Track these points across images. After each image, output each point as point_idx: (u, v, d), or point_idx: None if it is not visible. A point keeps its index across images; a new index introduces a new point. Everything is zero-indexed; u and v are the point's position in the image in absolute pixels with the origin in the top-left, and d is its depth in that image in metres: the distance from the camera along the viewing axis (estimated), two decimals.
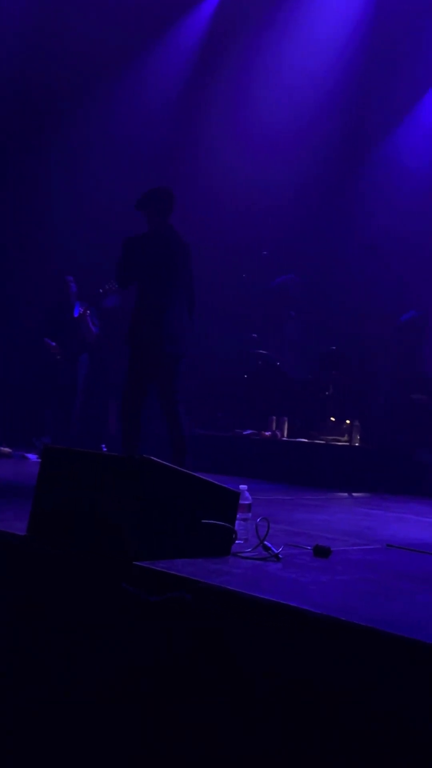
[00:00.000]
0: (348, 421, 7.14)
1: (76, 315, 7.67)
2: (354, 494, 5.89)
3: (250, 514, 3.04)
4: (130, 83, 8.99)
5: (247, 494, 3.01)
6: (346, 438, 7.08)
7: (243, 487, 3.00)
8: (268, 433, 7.25)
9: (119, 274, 5.30)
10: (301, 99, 8.64)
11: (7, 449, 6.78)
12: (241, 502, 2.92)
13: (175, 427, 5.21)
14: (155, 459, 2.64)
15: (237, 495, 2.89)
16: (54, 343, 7.60)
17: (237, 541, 2.85)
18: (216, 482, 2.80)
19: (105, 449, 7.28)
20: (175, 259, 5.21)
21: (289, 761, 1.99)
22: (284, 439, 7.24)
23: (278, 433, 7.25)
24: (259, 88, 8.84)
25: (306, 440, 7.15)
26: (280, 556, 2.80)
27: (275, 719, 2.03)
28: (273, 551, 2.80)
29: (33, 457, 6.64)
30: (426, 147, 9.03)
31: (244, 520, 2.98)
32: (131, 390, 5.23)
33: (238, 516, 2.88)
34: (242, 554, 2.80)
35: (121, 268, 5.26)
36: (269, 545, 2.81)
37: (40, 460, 3.79)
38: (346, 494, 5.87)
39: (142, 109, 9.01)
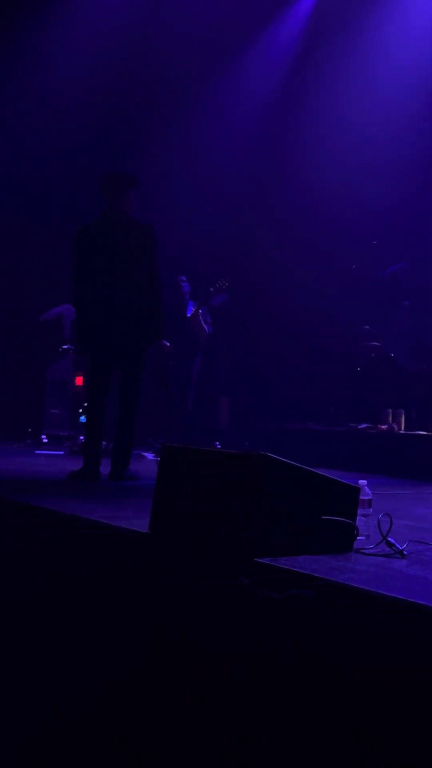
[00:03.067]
0: None
1: (189, 314, 7.75)
2: None
3: (371, 510, 2.96)
4: (235, 76, 9.02)
5: (367, 489, 2.94)
6: None
7: (362, 482, 2.93)
8: (384, 427, 7.09)
9: (78, 272, 4.98)
10: (411, 82, 8.40)
11: None
12: (361, 497, 2.85)
13: (124, 419, 5.00)
14: (273, 455, 2.61)
15: (357, 490, 2.82)
16: (168, 344, 7.73)
17: (359, 538, 2.78)
18: (334, 477, 2.75)
19: (219, 446, 7.32)
20: (128, 243, 4.94)
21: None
22: (401, 432, 7.05)
23: (395, 426, 7.07)
24: (367, 73, 8.66)
25: (425, 433, 6.94)
26: (404, 552, 2.72)
27: (404, 726, 1.97)
28: (397, 548, 2.72)
29: (150, 455, 6.75)
30: None
31: (365, 515, 2.91)
32: (92, 389, 5.03)
33: (358, 512, 2.81)
34: (365, 551, 2.74)
35: (77, 264, 4.98)
36: (393, 541, 2.73)
37: (157, 458, 3.85)
38: None
39: (248, 101, 9.02)
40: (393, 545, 2.72)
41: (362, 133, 8.60)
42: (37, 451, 7.27)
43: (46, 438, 7.96)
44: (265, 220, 8.83)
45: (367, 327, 8.41)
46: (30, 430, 8.21)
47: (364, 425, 7.32)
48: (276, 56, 9.18)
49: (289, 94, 9.09)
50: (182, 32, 8.39)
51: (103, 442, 5.24)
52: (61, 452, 7.16)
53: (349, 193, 8.56)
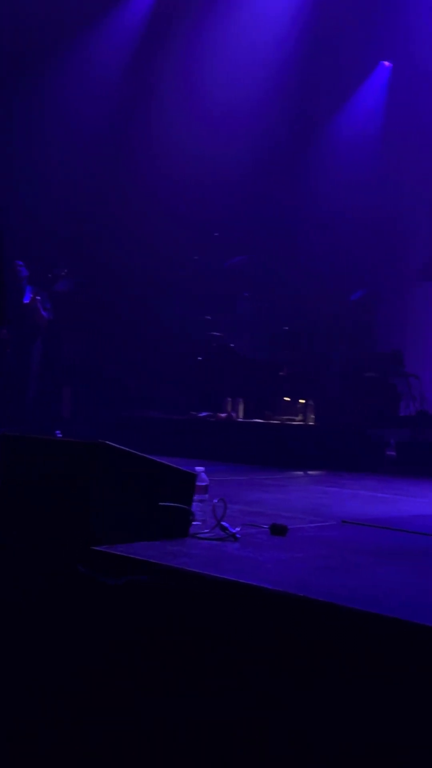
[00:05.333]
0: (302, 401, 7.21)
1: (26, 300, 7.57)
2: (309, 472, 5.95)
3: (207, 496, 3.05)
4: (78, 61, 8.85)
5: (203, 475, 3.02)
6: (300, 417, 7.14)
7: (199, 468, 3.01)
8: (223, 415, 7.28)
9: None
10: (251, 78, 8.62)
11: None
12: (197, 483, 2.93)
13: None
14: (111, 443, 2.63)
15: (193, 476, 2.90)
16: (5, 330, 7.50)
17: (194, 523, 2.86)
18: (172, 464, 2.81)
19: (60, 434, 7.22)
20: None
21: (250, 738, 2.02)
22: (240, 420, 7.27)
23: (234, 415, 7.28)
24: (209, 67, 8.79)
25: (261, 421, 7.20)
26: (237, 535, 2.82)
27: (236, 696, 2.06)
28: (230, 531, 2.82)
29: None
30: (372, 126, 9.10)
31: (201, 501, 2.99)
32: None
33: (195, 497, 2.89)
34: (200, 535, 2.82)
35: None
36: (226, 525, 2.83)
37: None
38: (301, 473, 5.93)
39: (90, 88, 8.88)
40: (227, 529, 2.82)
41: (206, 125, 8.73)
42: None
43: None
44: (108, 208, 8.76)
45: (209, 317, 8.58)
46: None
47: (204, 413, 7.48)
48: (122, 39, 9.10)
49: (134, 81, 9.05)
50: (26, 9, 8.12)
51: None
52: None
53: (192, 184, 8.68)
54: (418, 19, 8.33)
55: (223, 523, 2.84)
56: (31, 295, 7.53)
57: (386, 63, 9.23)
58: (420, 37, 8.39)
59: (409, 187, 8.90)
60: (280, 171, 8.86)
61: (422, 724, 1.76)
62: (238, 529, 2.86)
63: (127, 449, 2.67)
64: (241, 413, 7.34)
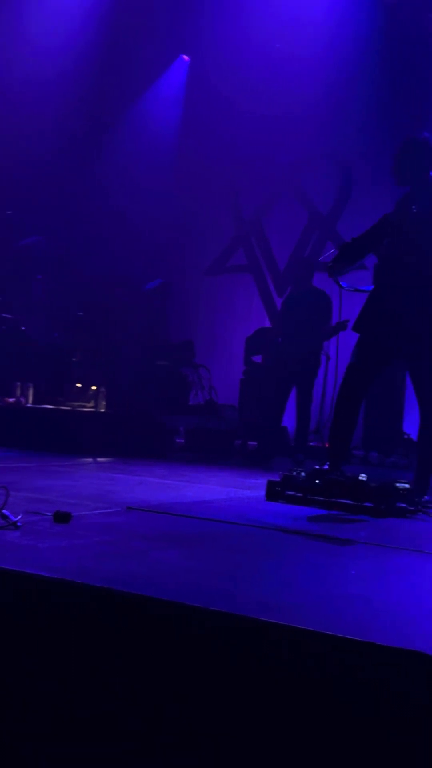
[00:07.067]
0: (94, 387, 7.19)
1: None
2: (99, 459, 5.96)
3: None
4: None
5: None
6: (92, 404, 7.12)
7: None
8: (11, 400, 7.08)
9: None
10: (50, 63, 8.39)
11: None
12: None
13: None
14: None
15: None
16: None
17: None
18: None
19: None
20: None
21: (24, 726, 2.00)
22: (29, 405, 7.11)
23: (23, 399, 7.10)
24: (6, 47, 8.43)
25: (52, 406, 7.09)
26: (18, 524, 2.77)
27: (20, 689, 2.03)
28: (11, 519, 2.76)
29: None
30: (170, 118, 9.24)
31: None
32: None
33: None
34: None
35: None
36: (7, 513, 2.77)
37: None
38: (91, 459, 5.92)
39: None
40: (7, 518, 2.76)
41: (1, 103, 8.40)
42: None
43: None
44: None
45: (0, 298, 8.29)
46: None
47: None
48: None
49: None
50: None
51: None
52: None
53: None
54: (216, 13, 8.55)
55: (3, 511, 2.77)
56: None
57: (185, 57, 9.40)
58: (217, 32, 8.61)
59: (203, 182, 9.15)
60: (77, 156, 8.73)
61: (194, 701, 1.84)
62: (19, 517, 2.81)
63: None
64: (30, 398, 7.18)
